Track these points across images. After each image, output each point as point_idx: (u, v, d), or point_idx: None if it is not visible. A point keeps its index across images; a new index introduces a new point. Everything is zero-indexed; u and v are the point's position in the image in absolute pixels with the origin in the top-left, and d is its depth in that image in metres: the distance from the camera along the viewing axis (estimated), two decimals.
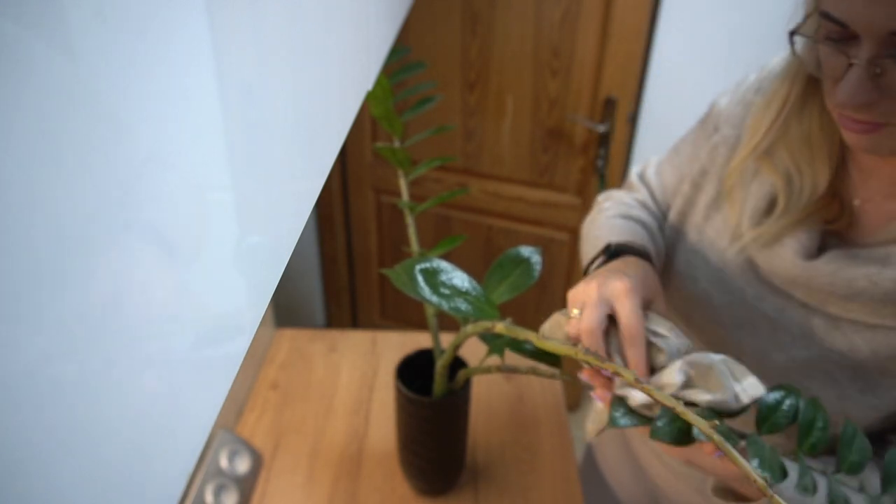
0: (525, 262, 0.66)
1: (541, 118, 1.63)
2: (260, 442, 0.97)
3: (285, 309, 2.15)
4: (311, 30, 0.36)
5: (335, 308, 2.21)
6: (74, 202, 0.16)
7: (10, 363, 0.14)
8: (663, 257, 0.73)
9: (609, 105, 1.55)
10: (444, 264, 0.60)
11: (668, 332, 0.51)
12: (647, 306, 0.54)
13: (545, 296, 1.89)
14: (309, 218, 0.37)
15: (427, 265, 0.59)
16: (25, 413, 0.15)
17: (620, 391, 0.51)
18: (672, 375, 0.49)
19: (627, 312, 0.51)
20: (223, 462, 0.86)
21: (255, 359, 1.11)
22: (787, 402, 0.52)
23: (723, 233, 0.68)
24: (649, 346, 0.51)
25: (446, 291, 0.58)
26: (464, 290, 0.59)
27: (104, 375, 0.18)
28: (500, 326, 0.59)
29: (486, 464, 0.95)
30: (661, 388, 0.49)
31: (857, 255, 0.57)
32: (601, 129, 1.57)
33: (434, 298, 0.57)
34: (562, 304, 2.02)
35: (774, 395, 0.53)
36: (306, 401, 1.05)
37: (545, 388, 1.10)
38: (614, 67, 1.50)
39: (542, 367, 0.66)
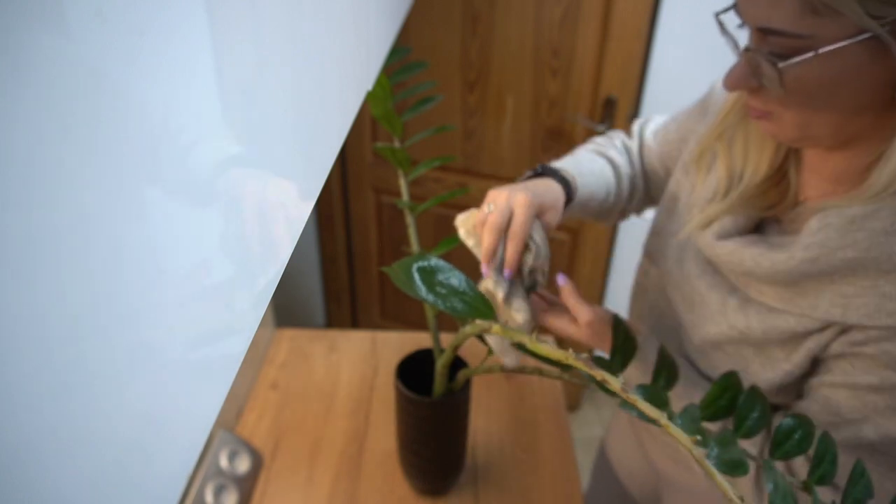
0: None
1: (541, 118, 1.63)
2: (260, 442, 0.97)
3: (285, 309, 2.15)
4: (310, 30, 0.36)
5: (335, 308, 2.21)
6: (73, 203, 0.16)
7: (11, 363, 0.14)
8: (615, 194, 0.81)
9: (609, 105, 1.55)
10: (441, 263, 0.60)
11: (540, 241, 0.65)
12: (541, 214, 0.68)
13: None
14: (309, 218, 0.37)
15: (424, 264, 0.59)
16: (26, 413, 0.15)
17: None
18: (519, 309, 0.65)
19: (518, 220, 0.64)
20: (223, 462, 0.86)
21: (255, 359, 1.11)
22: (799, 431, 0.54)
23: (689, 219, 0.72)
24: (526, 246, 0.66)
25: (443, 291, 0.58)
26: (461, 290, 0.59)
27: (104, 376, 0.18)
28: (497, 328, 0.59)
29: (486, 464, 0.95)
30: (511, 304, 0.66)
31: (761, 239, 0.62)
32: (601, 129, 1.57)
33: (430, 297, 0.57)
34: None
35: (788, 423, 0.55)
36: (306, 401, 1.05)
37: (545, 389, 1.10)
38: (614, 67, 1.50)
39: (547, 367, 0.66)
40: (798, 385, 0.63)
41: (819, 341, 0.57)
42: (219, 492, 0.83)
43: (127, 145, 0.18)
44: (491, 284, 0.66)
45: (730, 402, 0.57)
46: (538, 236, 0.66)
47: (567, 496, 0.91)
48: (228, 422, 0.98)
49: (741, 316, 0.62)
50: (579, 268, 1.80)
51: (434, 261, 0.60)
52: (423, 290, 0.57)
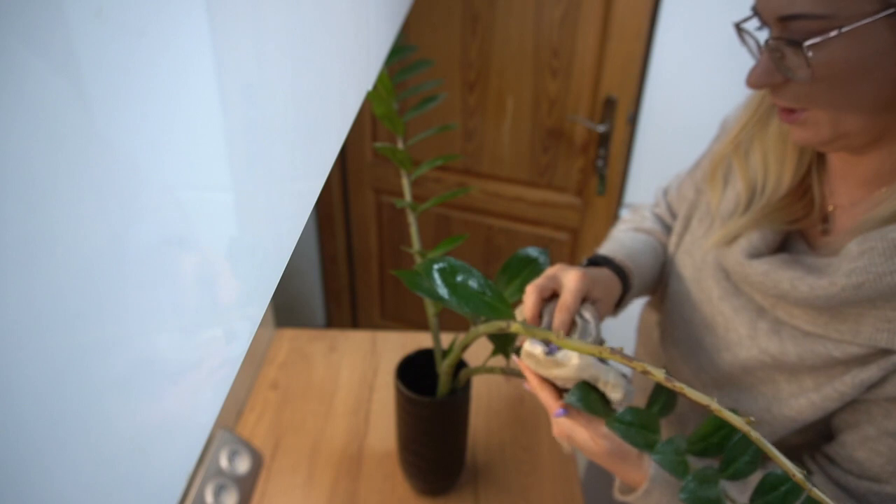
0: (534, 263, 0.67)
1: (541, 118, 1.63)
2: (260, 442, 0.97)
3: (285, 309, 2.15)
4: (310, 29, 0.36)
5: (335, 308, 2.21)
6: (73, 203, 0.16)
7: (10, 362, 0.14)
8: (664, 265, 0.77)
9: (609, 105, 1.55)
10: (459, 264, 0.60)
11: (591, 319, 0.61)
12: (592, 301, 0.63)
13: None
14: (309, 218, 0.37)
15: (444, 265, 0.59)
16: (25, 413, 0.15)
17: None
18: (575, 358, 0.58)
19: (569, 288, 0.60)
20: (223, 462, 0.86)
21: (255, 359, 1.11)
22: (788, 484, 0.51)
23: (708, 234, 0.70)
24: (574, 322, 0.61)
25: (464, 291, 0.58)
26: (479, 290, 0.59)
27: (104, 376, 0.18)
28: (516, 326, 0.59)
29: (486, 464, 0.95)
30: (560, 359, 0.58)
31: (795, 259, 0.59)
32: (601, 129, 1.57)
33: (454, 300, 0.56)
34: None
35: (778, 474, 0.51)
36: (306, 401, 1.05)
37: None
38: (614, 67, 1.50)
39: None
40: (824, 424, 0.60)
41: (861, 378, 0.54)
42: (219, 492, 0.83)
43: (126, 145, 0.18)
44: (529, 345, 0.59)
45: (722, 440, 0.53)
46: (589, 314, 0.61)
47: (567, 496, 0.91)
48: (228, 422, 0.98)
49: (775, 340, 0.60)
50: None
51: (453, 261, 0.60)
52: (444, 292, 0.56)
